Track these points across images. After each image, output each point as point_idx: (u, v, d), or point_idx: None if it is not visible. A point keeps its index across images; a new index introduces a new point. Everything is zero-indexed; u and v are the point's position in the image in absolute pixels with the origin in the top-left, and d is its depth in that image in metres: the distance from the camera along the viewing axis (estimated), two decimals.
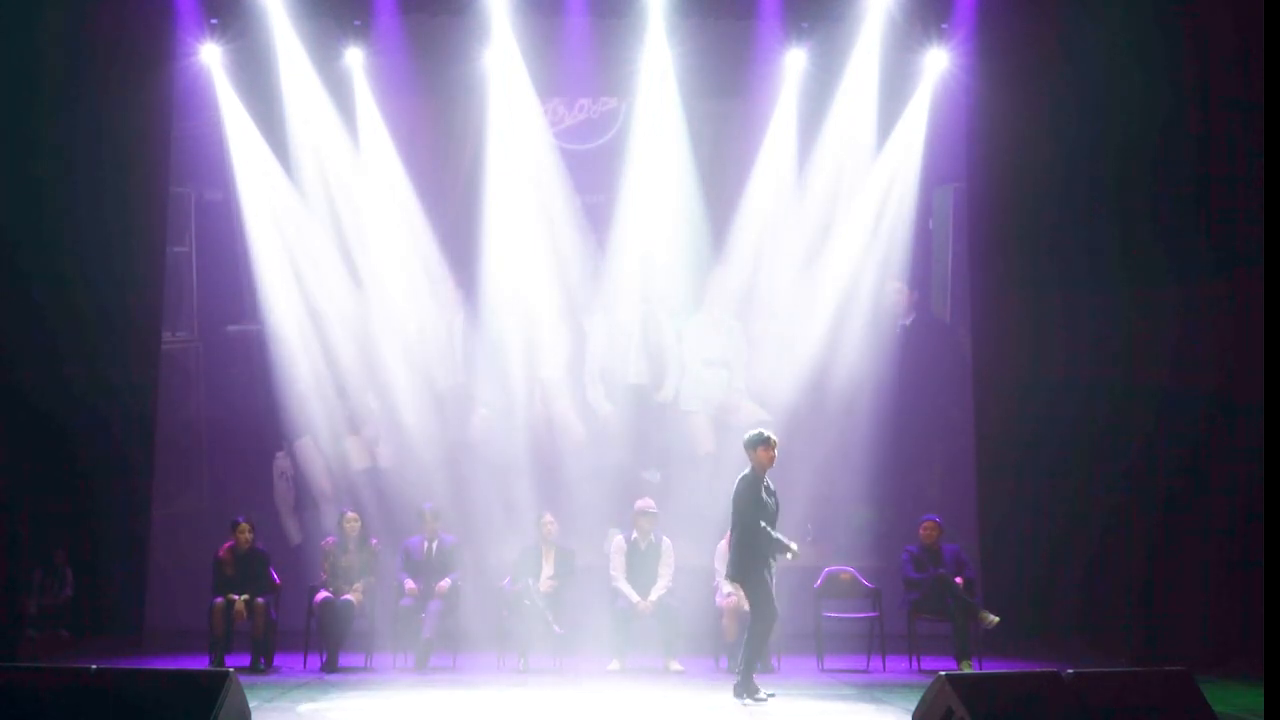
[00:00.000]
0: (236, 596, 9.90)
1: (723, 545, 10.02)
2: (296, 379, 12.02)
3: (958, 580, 10.15)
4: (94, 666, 6.45)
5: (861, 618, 10.56)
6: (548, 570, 10.29)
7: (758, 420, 11.64)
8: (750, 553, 8.30)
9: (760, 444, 8.43)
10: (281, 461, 12.21)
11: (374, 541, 10.53)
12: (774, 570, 8.39)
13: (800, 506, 11.48)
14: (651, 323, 12.41)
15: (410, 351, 12.14)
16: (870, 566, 11.39)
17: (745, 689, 8.26)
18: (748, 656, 8.31)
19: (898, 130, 12.19)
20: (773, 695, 8.32)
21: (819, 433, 12.07)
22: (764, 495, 8.39)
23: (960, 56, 11.96)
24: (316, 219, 12.14)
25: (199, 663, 9.64)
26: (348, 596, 10.09)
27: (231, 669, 6.59)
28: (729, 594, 10.02)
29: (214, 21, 11.69)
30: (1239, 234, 10.71)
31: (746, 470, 8.45)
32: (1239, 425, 10.55)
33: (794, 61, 12.04)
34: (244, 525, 10.18)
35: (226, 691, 6.28)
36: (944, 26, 11.88)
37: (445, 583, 10.17)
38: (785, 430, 11.87)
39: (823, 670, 10.09)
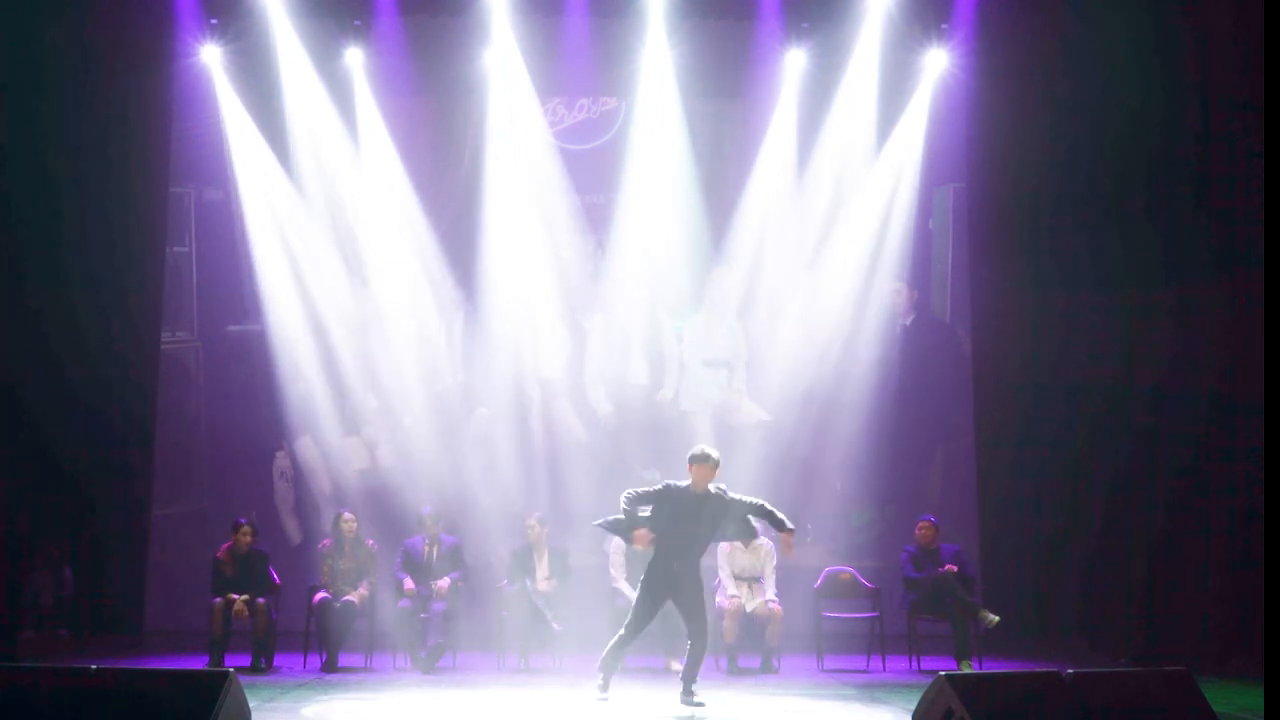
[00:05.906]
0: (236, 597, 9.90)
1: (725, 545, 10.03)
2: (296, 379, 12.02)
3: (954, 569, 10.14)
4: (94, 666, 6.44)
5: (861, 618, 10.56)
6: (542, 571, 10.29)
7: (757, 420, 11.63)
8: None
9: (691, 462, 8.06)
10: (281, 461, 12.20)
11: (370, 543, 10.51)
12: (673, 578, 8.06)
13: (800, 506, 11.48)
14: (651, 323, 12.40)
15: (410, 351, 12.13)
16: (870, 566, 11.39)
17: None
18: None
19: (898, 130, 12.18)
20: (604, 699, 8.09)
21: (819, 433, 12.07)
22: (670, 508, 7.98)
23: (960, 56, 11.95)
24: (316, 219, 12.14)
25: (199, 663, 9.64)
26: (348, 597, 10.08)
27: (231, 669, 6.58)
28: (732, 595, 10.06)
29: (214, 22, 11.69)
30: (1239, 234, 10.71)
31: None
32: (1239, 425, 10.55)
33: (794, 61, 12.03)
34: (245, 528, 10.17)
35: (226, 691, 6.27)
36: (944, 26, 11.87)
37: (444, 582, 10.16)
38: (785, 430, 12.00)
39: (823, 670, 10.09)
